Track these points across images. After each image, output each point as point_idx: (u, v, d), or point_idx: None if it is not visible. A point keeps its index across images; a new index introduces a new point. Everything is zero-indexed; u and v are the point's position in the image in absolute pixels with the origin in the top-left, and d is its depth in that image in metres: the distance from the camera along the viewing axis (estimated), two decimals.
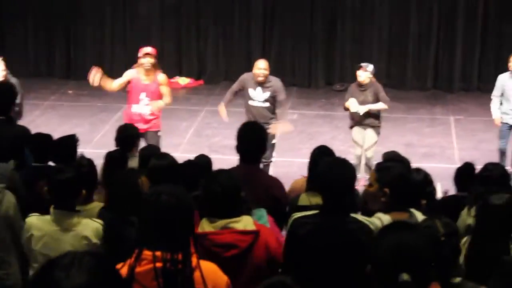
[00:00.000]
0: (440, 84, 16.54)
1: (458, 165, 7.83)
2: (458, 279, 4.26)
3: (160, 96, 10.46)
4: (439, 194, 7.77)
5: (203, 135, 13.55)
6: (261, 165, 8.76)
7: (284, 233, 5.31)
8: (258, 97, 10.64)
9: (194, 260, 3.75)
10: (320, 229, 4.65)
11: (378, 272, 3.06)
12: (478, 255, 4.95)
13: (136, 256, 3.72)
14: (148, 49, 10.44)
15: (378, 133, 11.05)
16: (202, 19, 16.90)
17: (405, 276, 2.97)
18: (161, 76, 10.55)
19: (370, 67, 10.93)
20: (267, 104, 10.65)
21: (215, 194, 4.58)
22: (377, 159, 9.24)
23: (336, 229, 4.65)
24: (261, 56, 15.79)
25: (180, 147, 12.58)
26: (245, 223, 4.62)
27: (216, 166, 7.10)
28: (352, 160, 8.47)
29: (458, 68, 16.42)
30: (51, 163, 6.99)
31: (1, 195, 5.68)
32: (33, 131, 8.04)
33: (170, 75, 16.66)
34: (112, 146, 7.92)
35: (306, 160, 7.00)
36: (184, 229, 3.79)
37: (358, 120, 10.92)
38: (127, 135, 8.12)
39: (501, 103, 11.26)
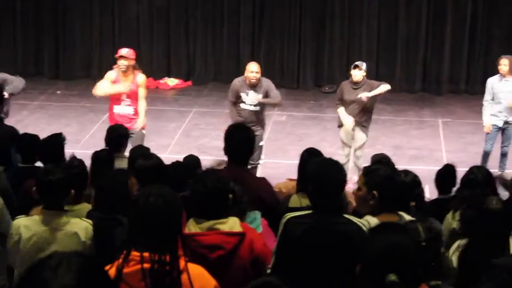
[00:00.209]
0: (429, 86, 16.58)
1: None
2: (437, 282, 4.29)
3: (138, 99, 10.49)
4: (427, 196, 7.79)
5: (191, 136, 13.54)
6: (249, 167, 8.76)
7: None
8: (250, 100, 10.66)
9: (182, 262, 3.76)
10: (316, 228, 4.65)
11: (367, 272, 3.08)
12: (473, 258, 4.96)
13: (124, 256, 3.72)
14: (124, 51, 10.41)
15: (367, 134, 11.10)
16: (190, 20, 16.89)
17: (392, 277, 2.99)
18: (140, 78, 10.52)
19: (364, 65, 10.99)
20: (258, 108, 10.70)
21: (201, 195, 4.58)
22: (366, 161, 9.25)
23: (331, 229, 4.65)
24: (250, 57, 15.85)
25: (168, 148, 12.57)
26: (231, 224, 4.62)
27: (204, 167, 7.12)
28: (341, 161, 8.47)
29: (447, 70, 16.47)
30: (40, 164, 6.98)
31: None
32: (22, 131, 8.04)
33: (158, 76, 16.75)
34: (100, 147, 7.90)
35: (294, 161, 7.01)
36: (172, 230, 3.80)
37: (356, 120, 10.95)
38: (117, 135, 8.12)
39: None
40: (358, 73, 10.87)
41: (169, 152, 11.97)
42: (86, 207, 5.86)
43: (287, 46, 16.76)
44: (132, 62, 10.41)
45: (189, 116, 14.66)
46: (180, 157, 7.90)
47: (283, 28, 16.70)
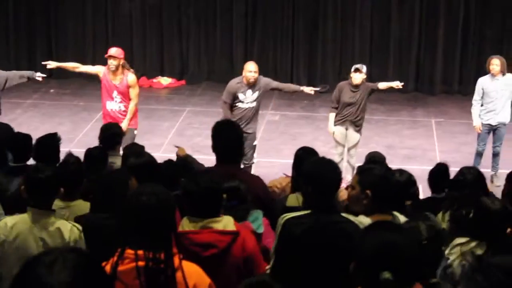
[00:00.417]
0: (422, 86, 16.60)
1: None
2: (436, 279, 4.30)
3: (130, 98, 10.52)
4: (421, 196, 7.79)
5: (185, 135, 13.53)
6: (242, 166, 8.75)
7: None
8: (248, 99, 10.66)
9: (176, 260, 3.76)
10: (316, 228, 4.63)
11: (361, 270, 3.08)
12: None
13: (119, 254, 3.72)
14: (112, 51, 10.47)
15: (360, 133, 11.13)
16: (184, 19, 16.87)
17: (386, 274, 2.99)
18: (131, 77, 10.55)
19: (365, 68, 11.02)
20: (254, 104, 10.73)
21: (193, 193, 4.58)
22: (359, 160, 9.26)
23: (331, 228, 4.63)
24: (243, 56, 15.87)
25: (162, 147, 12.56)
26: (225, 223, 4.62)
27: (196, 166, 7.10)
28: (335, 160, 8.46)
29: (440, 70, 16.50)
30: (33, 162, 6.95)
31: None
32: (15, 129, 8.01)
33: (152, 75, 16.74)
34: (94, 145, 7.88)
35: (288, 161, 7.00)
36: (166, 228, 3.80)
37: (350, 120, 10.98)
38: (111, 133, 8.11)
39: (481, 105, 11.32)
40: (358, 76, 10.90)
41: (162, 151, 11.96)
42: (82, 202, 5.85)
43: (280, 46, 16.76)
44: (121, 61, 10.44)
45: (182, 115, 14.65)
46: (174, 156, 7.88)
47: (276, 28, 16.71)
